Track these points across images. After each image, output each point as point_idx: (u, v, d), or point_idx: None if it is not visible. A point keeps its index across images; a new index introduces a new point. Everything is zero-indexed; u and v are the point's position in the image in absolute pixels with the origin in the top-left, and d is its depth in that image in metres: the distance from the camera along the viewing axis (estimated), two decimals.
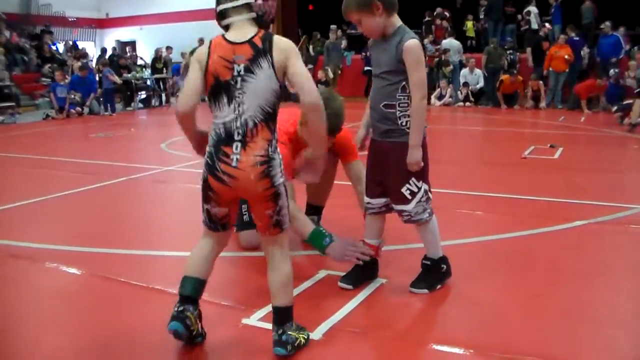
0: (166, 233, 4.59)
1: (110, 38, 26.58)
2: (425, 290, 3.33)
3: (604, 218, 4.71)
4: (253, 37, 2.45)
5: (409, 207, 3.21)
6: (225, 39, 2.49)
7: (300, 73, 2.46)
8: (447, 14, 19.63)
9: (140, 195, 6.08)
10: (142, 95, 18.78)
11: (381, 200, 3.31)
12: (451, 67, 17.26)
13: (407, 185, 3.17)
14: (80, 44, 22.97)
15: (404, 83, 3.08)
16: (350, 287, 3.34)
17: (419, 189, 3.20)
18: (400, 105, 3.11)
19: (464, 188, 5.86)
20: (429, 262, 3.39)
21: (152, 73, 19.27)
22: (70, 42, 22.38)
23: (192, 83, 2.54)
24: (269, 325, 2.69)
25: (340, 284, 3.37)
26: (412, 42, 3.04)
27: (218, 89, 2.48)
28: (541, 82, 15.55)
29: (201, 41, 20.24)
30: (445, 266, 3.41)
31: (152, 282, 3.46)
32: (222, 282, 3.44)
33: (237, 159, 2.43)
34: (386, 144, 3.18)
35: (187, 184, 6.54)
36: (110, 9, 26.48)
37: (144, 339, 2.80)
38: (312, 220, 4.04)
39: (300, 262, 3.80)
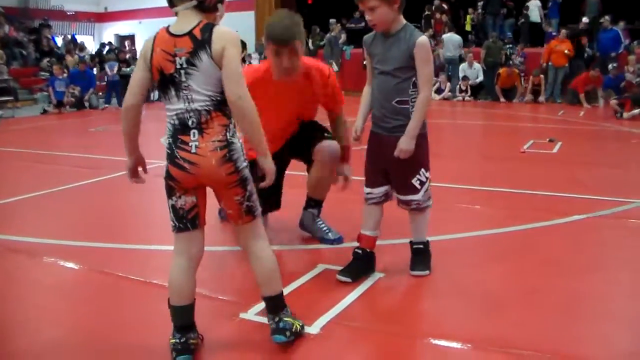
0: (165, 227, 4.55)
1: (109, 32, 26.54)
2: (427, 272, 3.47)
3: (602, 212, 4.71)
4: (193, 29, 2.41)
5: (418, 196, 3.32)
6: (168, 32, 2.46)
7: (227, 65, 2.38)
8: (445, 7, 19.62)
9: (139, 189, 6.03)
10: None
11: (382, 189, 3.36)
12: None
13: (417, 176, 3.29)
14: (79, 38, 22.92)
15: (414, 79, 3.15)
16: (349, 279, 3.35)
17: (427, 178, 3.33)
18: (413, 100, 3.18)
19: (463, 182, 5.86)
20: (421, 245, 3.52)
21: None
22: (69, 36, 22.34)
23: (136, 79, 2.52)
24: (266, 320, 2.69)
25: (338, 277, 3.37)
26: (423, 39, 3.13)
27: (165, 83, 2.45)
28: (542, 76, 15.54)
29: (237, 32, 20.26)
30: (430, 248, 3.57)
31: (150, 277, 3.46)
32: (219, 276, 3.45)
33: (195, 145, 2.40)
34: (397, 138, 3.20)
35: None
36: (109, 3, 26.43)
37: (142, 333, 2.80)
38: (312, 214, 4.06)
39: (297, 256, 3.80)
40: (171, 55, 2.41)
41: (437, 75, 16.77)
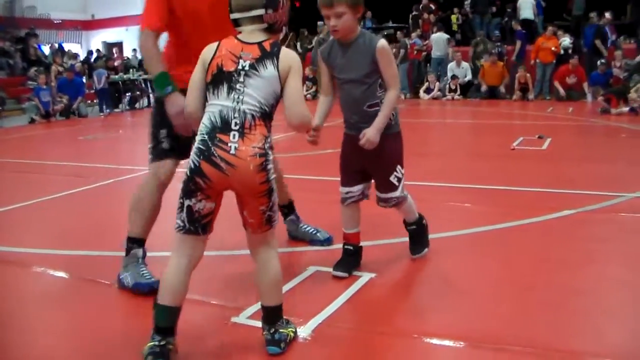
0: (155, 235, 4.55)
1: (97, 40, 26.49)
2: (426, 250, 3.71)
3: (592, 207, 4.72)
4: (263, 42, 2.50)
5: (397, 193, 3.42)
6: (236, 38, 2.53)
7: (294, 88, 2.50)
8: (433, 7, 19.67)
9: (127, 196, 6.04)
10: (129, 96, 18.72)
11: (360, 187, 3.44)
12: None
13: (395, 173, 3.39)
14: (66, 46, 22.88)
15: (379, 81, 3.23)
16: (345, 274, 3.40)
17: (402, 174, 3.43)
18: (382, 101, 3.25)
19: (453, 180, 5.86)
20: (414, 226, 3.68)
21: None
22: (56, 45, 22.28)
23: (196, 81, 2.55)
24: (259, 323, 2.68)
25: (334, 272, 3.41)
26: (383, 42, 3.23)
27: (219, 78, 2.46)
28: (528, 74, 15.60)
29: None
30: (424, 221, 3.72)
31: None
32: (211, 280, 3.43)
33: (235, 147, 2.37)
34: (380, 141, 3.25)
35: (177, 184, 6.51)
36: (95, 11, 26.38)
37: (132, 341, 2.78)
38: (292, 220, 4.10)
39: (288, 258, 3.79)
40: (236, 57, 2.47)
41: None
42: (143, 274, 3.34)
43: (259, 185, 2.42)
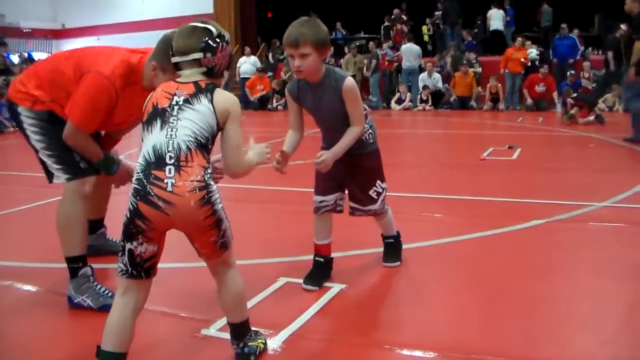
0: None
1: (67, 49, 26.22)
2: (398, 262, 3.76)
3: (561, 216, 4.77)
4: (199, 81, 2.44)
5: (375, 206, 3.51)
6: (174, 80, 2.49)
7: (234, 135, 2.44)
8: (404, 17, 19.82)
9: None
10: None
11: (334, 196, 3.46)
12: None
13: (374, 188, 3.47)
14: (36, 55, 22.62)
15: None
16: (316, 288, 3.39)
17: (383, 189, 3.51)
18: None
19: (424, 191, 5.88)
20: (392, 239, 3.78)
21: None
22: (25, 54, 22.04)
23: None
24: (228, 336, 2.66)
25: (304, 286, 3.40)
26: (349, 81, 3.22)
27: (153, 116, 2.38)
28: (499, 85, 15.80)
29: None
30: (401, 238, 3.84)
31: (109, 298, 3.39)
32: (180, 293, 3.40)
33: (172, 183, 2.24)
34: (355, 156, 3.38)
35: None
36: (66, 20, 26.16)
37: None
38: (102, 233, 4.12)
39: (258, 270, 3.76)
40: (170, 94, 2.40)
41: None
42: (103, 293, 3.26)
43: (203, 221, 2.31)
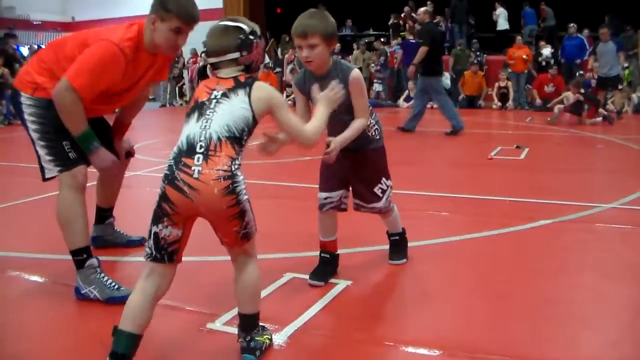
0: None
1: None
2: (404, 260, 3.76)
3: (568, 217, 4.76)
4: (238, 76, 2.53)
5: (380, 203, 3.49)
6: (216, 75, 2.58)
7: (287, 122, 2.59)
8: (415, 15, 19.77)
9: None
10: None
11: (339, 192, 3.46)
12: None
13: (379, 185, 3.46)
14: None
15: None
16: (321, 283, 3.40)
17: (388, 186, 3.50)
18: (369, 126, 3.37)
19: (431, 189, 5.88)
20: (397, 237, 3.77)
21: None
22: (35, 46, 22.06)
23: None
24: (234, 330, 2.68)
25: (310, 281, 3.40)
26: (356, 72, 3.25)
27: (193, 109, 2.50)
28: (510, 82, 15.79)
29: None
30: (406, 235, 3.83)
31: None
32: (186, 286, 3.40)
33: (198, 170, 2.33)
34: (361, 153, 3.40)
35: (153, 188, 6.46)
36: (76, 12, 26.16)
37: (107, 345, 2.75)
38: (110, 223, 4.14)
39: (264, 265, 3.73)
40: (210, 89, 2.52)
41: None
42: (110, 285, 3.28)
43: (226, 210, 2.37)
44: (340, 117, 3.27)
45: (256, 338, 2.58)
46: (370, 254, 3.94)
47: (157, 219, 2.41)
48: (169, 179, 2.36)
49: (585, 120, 11.85)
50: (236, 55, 2.52)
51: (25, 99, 3.38)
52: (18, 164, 8.19)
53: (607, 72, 13.09)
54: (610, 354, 2.66)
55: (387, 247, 3.81)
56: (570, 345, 2.73)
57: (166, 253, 2.43)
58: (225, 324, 2.90)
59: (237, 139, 2.43)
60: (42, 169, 3.43)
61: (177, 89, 20.55)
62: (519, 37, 16.61)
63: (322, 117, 2.74)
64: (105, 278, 3.31)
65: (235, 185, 2.36)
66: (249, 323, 2.58)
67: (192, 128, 2.43)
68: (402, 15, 19.40)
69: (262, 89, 2.51)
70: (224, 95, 2.47)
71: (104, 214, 4.12)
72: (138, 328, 2.40)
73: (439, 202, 5.42)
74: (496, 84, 16.03)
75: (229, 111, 2.43)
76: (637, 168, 7.36)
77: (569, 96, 12.22)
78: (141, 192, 6.39)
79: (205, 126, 2.41)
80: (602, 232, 4.48)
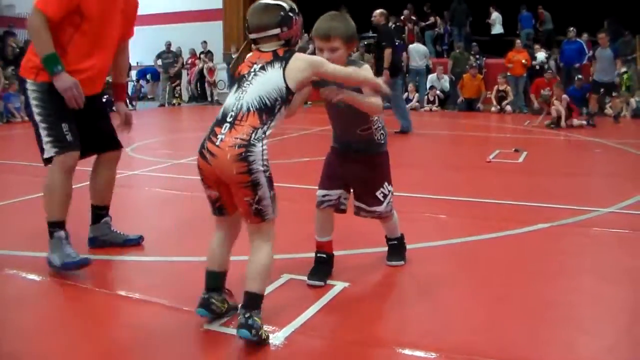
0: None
1: None
2: (402, 262, 3.76)
3: (566, 221, 4.77)
4: (277, 49, 2.74)
5: (381, 207, 3.49)
6: (258, 49, 2.80)
7: (335, 72, 2.87)
8: (414, 17, 19.80)
9: None
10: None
11: (338, 191, 3.47)
12: None
13: (381, 189, 3.47)
14: None
15: None
16: (321, 283, 3.41)
17: (389, 191, 3.51)
18: (374, 124, 3.39)
19: (429, 192, 5.88)
20: (396, 241, 3.78)
21: None
22: None
23: None
24: (231, 331, 2.69)
25: (309, 282, 3.41)
26: (367, 67, 3.28)
27: (235, 82, 2.77)
28: (508, 86, 15.82)
29: (204, 43, 20.23)
30: (405, 240, 3.85)
31: (114, 288, 3.41)
32: (183, 287, 3.40)
33: (221, 138, 2.58)
34: (365, 156, 3.44)
35: (152, 188, 6.48)
36: None
37: (105, 344, 2.76)
38: (106, 222, 4.18)
39: None
40: (252, 63, 2.75)
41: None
42: (69, 254, 3.59)
43: (237, 176, 2.55)
44: (350, 121, 3.33)
45: (255, 318, 2.60)
46: (368, 255, 3.94)
47: (201, 181, 2.75)
48: (200, 148, 2.66)
49: (566, 122, 11.93)
50: (277, 31, 2.73)
51: (30, 85, 3.63)
52: (16, 162, 8.18)
53: (601, 78, 13.13)
54: (608, 357, 2.66)
55: (385, 249, 3.81)
56: (567, 349, 2.73)
57: (215, 209, 2.80)
58: (222, 324, 2.89)
59: (269, 108, 2.63)
60: (42, 150, 3.68)
61: (173, 89, 20.50)
62: (518, 41, 16.64)
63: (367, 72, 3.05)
64: (68, 248, 3.63)
65: (249, 154, 2.54)
66: (251, 301, 2.63)
67: (230, 99, 2.69)
68: (402, 17, 19.40)
69: (300, 59, 2.72)
70: (262, 68, 2.69)
71: (100, 212, 4.16)
72: (219, 267, 2.86)
73: (437, 205, 5.42)
74: (495, 87, 16.06)
75: (262, 82, 2.65)
76: (635, 172, 7.37)
77: (558, 109, 12.28)
78: (140, 191, 6.40)
79: (240, 97, 2.65)
80: (599, 236, 4.48)
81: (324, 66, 2.79)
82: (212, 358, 2.65)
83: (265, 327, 2.70)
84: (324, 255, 3.53)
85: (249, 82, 2.68)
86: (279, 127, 2.80)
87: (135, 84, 21.40)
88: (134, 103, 18.75)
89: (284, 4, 2.76)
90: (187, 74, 21.38)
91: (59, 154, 3.63)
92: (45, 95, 3.60)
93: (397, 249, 3.80)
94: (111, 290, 3.39)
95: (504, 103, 15.89)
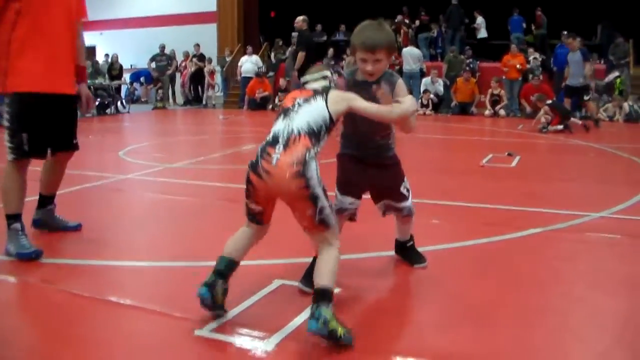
0: (120, 242, 4.51)
1: None
2: (426, 262, 3.81)
3: (559, 226, 4.77)
4: (317, 88, 3.09)
5: (408, 202, 3.60)
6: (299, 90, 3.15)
7: (369, 109, 3.07)
8: (407, 21, 19.85)
9: (95, 203, 5.97)
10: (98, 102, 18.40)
11: (360, 201, 3.50)
12: None
13: (404, 184, 3.58)
14: None
15: None
16: (311, 290, 3.34)
17: (409, 188, 3.62)
18: (392, 133, 3.51)
19: (421, 196, 5.83)
20: (412, 241, 3.87)
21: (111, 79, 18.94)
22: None
23: None
24: (223, 337, 2.69)
25: (301, 286, 3.39)
26: (401, 79, 3.41)
27: (280, 114, 3.01)
28: (501, 90, 15.87)
29: (197, 46, 20.32)
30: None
31: (103, 294, 3.38)
32: (174, 293, 3.39)
33: (277, 158, 2.77)
34: (379, 159, 3.50)
35: (145, 192, 6.46)
36: None
37: (92, 351, 2.74)
38: (50, 209, 4.60)
39: (252, 271, 3.74)
40: (294, 98, 3.05)
41: None
42: (23, 244, 3.95)
43: (297, 191, 2.76)
44: (372, 130, 3.38)
45: (322, 309, 2.67)
46: (360, 261, 3.93)
47: (246, 195, 2.96)
48: (254, 165, 2.85)
49: (549, 126, 11.97)
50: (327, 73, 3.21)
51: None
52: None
53: (573, 82, 13.25)
54: None
55: (378, 254, 3.81)
56: (559, 355, 2.72)
57: (254, 218, 3.03)
58: (213, 330, 2.87)
59: (316, 134, 2.88)
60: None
61: (156, 91, 20.45)
62: (513, 46, 16.69)
63: (402, 107, 3.08)
64: (23, 239, 3.98)
65: (305, 170, 2.74)
66: (321, 295, 2.74)
67: (278, 126, 2.92)
68: (396, 21, 19.44)
69: (336, 94, 3.05)
70: (306, 101, 2.99)
71: (46, 201, 4.57)
72: (235, 256, 3.04)
73: (430, 210, 5.40)
74: (489, 91, 16.10)
75: (309, 111, 2.93)
76: (628, 177, 7.39)
77: (546, 115, 12.34)
78: (132, 195, 6.38)
79: (289, 123, 2.89)
80: (592, 241, 4.48)
81: (356, 101, 3.04)
82: None
83: (256, 333, 2.68)
84: None
85: (295, 112, 2.93)
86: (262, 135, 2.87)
87: (129, 86, 21.35)
88: (124, 105, 18.71)
89: (329, 73, 3.21)
90: (181, 77, 21.38)
91: (15, 160, 4.04)
92: (14, 104, 3.95)
93: (415, 250, 3.87)
94: (102, 296, 3.37)
95: (497, 107, 15.95)
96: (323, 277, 2.80)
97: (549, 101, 12.70)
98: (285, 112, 2.98)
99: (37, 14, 3.89)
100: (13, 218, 4.05)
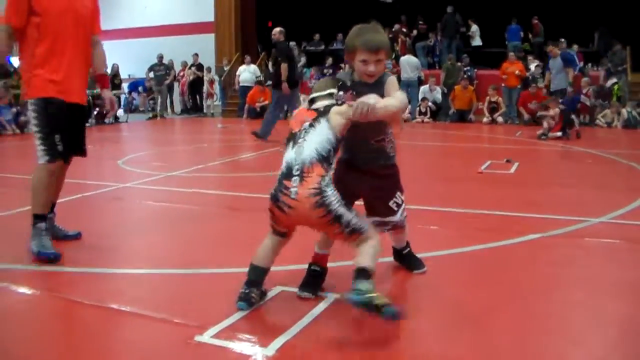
0: (120, 250, 4.51)
1: None
2: (425, 268, 3.84)
3: (557, 231, 4.78)
4: (320, 109, 3.19)
5: (396, 217, 3.57)
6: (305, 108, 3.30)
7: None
8: (405, 30, 19.91)
9: (94, 212, 5.97)
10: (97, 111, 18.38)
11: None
12: None
13: (394, 199, 3.56)
14: None
15: None
16: (311, 295, 3.40)
17: (402, 201, 3.61)
18: (388, 136, 3.49)
19: (420, 203, 5.86)
20: (408, 248, 3.89)
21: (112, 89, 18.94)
22: None
23: None
24: (223, 343, 2.69)
25: (300, 293, 3.40)
26: (393, 76, 3.44)
27: (289, 138, 3.17)
28: (499, 98, 15.91)
29: (195, 56, 20.34)
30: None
31: (105, 301, 3.39)
32: (174, 299, 3.40)
33: (295, 191, 2.96)
34: (375, 167, 3.50)
35: (144, 200, 6.46)
36: None
37: (93, 358, 2.74)
38: (50, 218, 4.49)
39: None
40: (302, 122, 3.17)
41: None
42: (45, 244, 4.10)
43: (320, 219, 2.97)
44: (368, 134, 3.38)
45: (361, 282, 2.89)
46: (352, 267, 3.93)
47: (270, 217, 3.15)
48: (274, 199, 3.05)
49: (544, 133, 12.01)
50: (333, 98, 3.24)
51: (29, 103, 4.15)
52: (8, 175, 8.16)
53: (554, 87, 13.37)
54: None
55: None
56: None
57: (279, 234, 3.22)
58: (213, 336, 2.88)
59: (326, 158, 3.03)
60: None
61: (149, 102, 20.48)
62: (511, 53, 16.74)
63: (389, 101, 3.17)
64: (46, 239, 4.13)
65: (324, 199, 2.94)
66: (359, 272, 2.95)
67: (289, 154, 3.09)
68: (394, 30, 19.51)
69: (335, 111, 3.13)
70: (311, 125, 3.11)
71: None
72: (265, 264, 3.25)
73: (428, 216, 5.42)
74: (487, 98, 16.13)
75: (315, 137, 3.06)
76: (625, 183, 7.41)
77: (550, 121, 12.36)
78: (131, 203, 6.39)
79: (300, 152, 3.04)
80: (590, 246, 4.49)
81: (349, 112, 3.08)
82: None
83: (256, 338, 2.69)
84: (318, 269, 3.52)
85: (303, 139, 3.08)
86: (274, 135, 2.90)
87: (127, 96, 21.38)
88: (120, 114, 18.69)
89: (335, 91, 3.26)
90: (180, 86, 21.41)
91: (48, 162, 4.16)
92: (41, 110, 4.11)
93: (413, 256, 3.89)
94: (102, 304, 3.37)
95: (495, 114, 15.99)
96: (365, 259, 2.98)
97: (562, 106, 12.68)
98: (294, 139, 3.12)
99: (56, 30, 4.09)
100: (39, 218, 4.19)
